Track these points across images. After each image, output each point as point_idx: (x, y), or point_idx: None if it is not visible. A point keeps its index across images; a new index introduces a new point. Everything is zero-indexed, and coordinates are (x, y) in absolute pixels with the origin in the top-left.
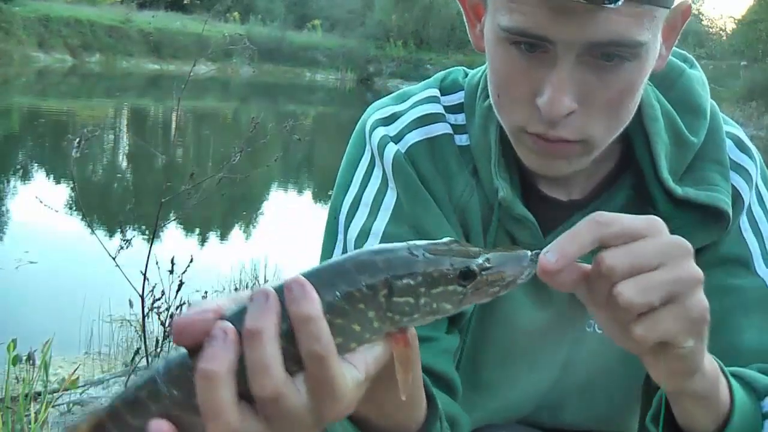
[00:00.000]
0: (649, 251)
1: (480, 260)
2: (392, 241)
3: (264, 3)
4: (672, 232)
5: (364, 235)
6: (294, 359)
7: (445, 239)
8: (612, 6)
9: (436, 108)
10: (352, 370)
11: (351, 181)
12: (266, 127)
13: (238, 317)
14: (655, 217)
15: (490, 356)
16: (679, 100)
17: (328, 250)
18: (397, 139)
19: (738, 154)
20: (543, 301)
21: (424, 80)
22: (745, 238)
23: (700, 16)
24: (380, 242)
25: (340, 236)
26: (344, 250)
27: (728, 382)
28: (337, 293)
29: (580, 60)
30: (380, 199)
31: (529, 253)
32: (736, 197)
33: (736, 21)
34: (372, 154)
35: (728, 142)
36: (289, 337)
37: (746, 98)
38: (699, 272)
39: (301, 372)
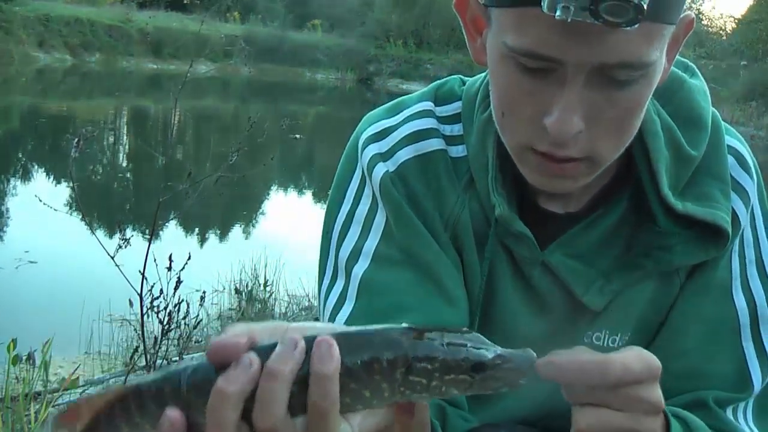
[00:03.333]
0: (623, 398)
1: (491, 355)
2: (383, 261)
3: (264, 2)
4: (671, 247)
5: (355, 255)
6: (300, 405)
7: (463, 328)
8: (629, 28)
9: (429, 123)
10: (347, 428)
11: (344, 198)
12: (264, 126)
13: (266, 352)
14: (655, 363)
15: None
16: (679, 113)
17: (322, 267)
18: (388, 156)
19: (739, 171)
20: (539, 309)
21: (423, 80)
22: (731, 263)
23: (700, 15)
24: (371, 263)
25: (332, 254)
26: (335, 270)
27: None
28: (359, 360)
29: (589, 80)
30: (372, 218)
31: (535, 356)
32: (735, 219)
33: (736, 21)
34: (363, 172)
35: (729, 159)
36: (303, 384)
37: (746, 98)
38: (655, 430)
39: (303, 416)
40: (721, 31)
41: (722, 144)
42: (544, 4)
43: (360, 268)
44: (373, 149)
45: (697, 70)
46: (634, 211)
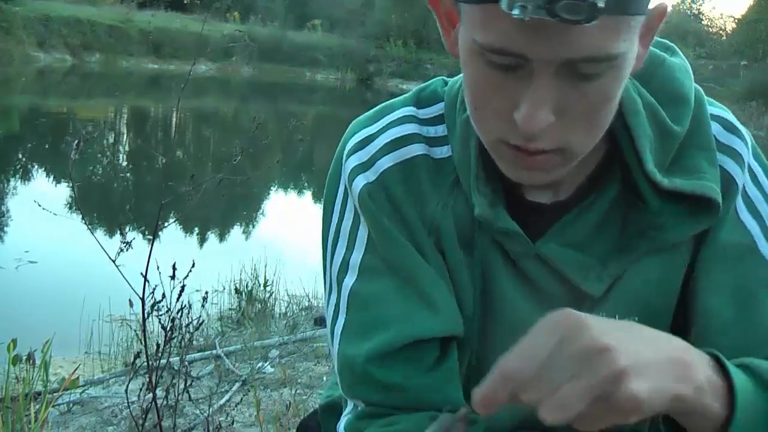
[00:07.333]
0: (560, 367)
1: None
2: (367, 273)
3: (264, 3)
4: (663, 225)
5: (344, 268)
6: None
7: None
8: (588, 25)
9: (409, 129)
10: None
11: (332, 212)
12: (267, 127)
13: None
14: (551, 320)
15: (493, 359)
16: (660, 90)
17: (324, 279)
18: (369, 165)
19: (726, 135)
20: (539, 300)
21: (423, 80)
22: (744, 222)
23: (700, 15)
24: (357, 275)
25: (327, 267)
26: (330, 283)
27: (729, 384)
28: None
29: (557, 74)
30: (355, 231)
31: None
32: (729, 181)
33: (736, 20)
34: (345, 186)
35: (715, 126)
36: None
37: (746, 98)
38: (618, 366)
39: None
40: (721, 31)
41: (705, 115)
42: (503, 3)
43: (349, 280)
44: (354, 161)
45: (678, 50)
46: (626, 194)
